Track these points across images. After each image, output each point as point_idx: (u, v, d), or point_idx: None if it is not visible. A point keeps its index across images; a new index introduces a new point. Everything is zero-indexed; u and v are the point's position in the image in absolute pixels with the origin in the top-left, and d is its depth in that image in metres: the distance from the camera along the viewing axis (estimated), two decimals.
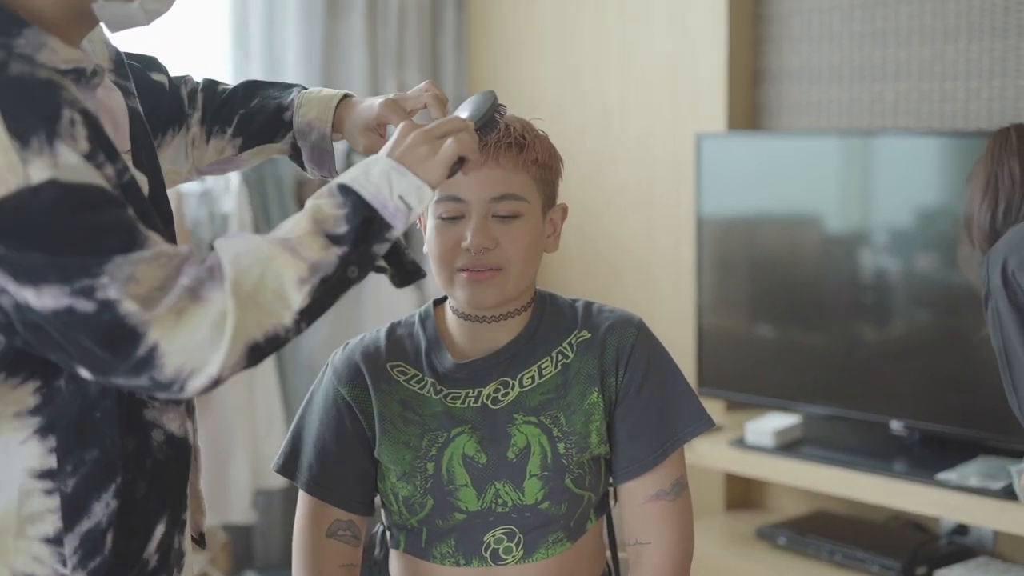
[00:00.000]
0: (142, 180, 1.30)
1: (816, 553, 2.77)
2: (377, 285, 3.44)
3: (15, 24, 1.19)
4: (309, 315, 1.22)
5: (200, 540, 1.50)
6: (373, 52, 3.72)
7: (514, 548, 1.56)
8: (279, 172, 3.38)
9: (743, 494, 3.26)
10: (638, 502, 1.59)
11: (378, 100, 1.55)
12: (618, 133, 3.43)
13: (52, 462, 1.23)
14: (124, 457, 1.26)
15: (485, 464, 1.55)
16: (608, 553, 1.71)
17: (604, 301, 1.68)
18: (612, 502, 1.68)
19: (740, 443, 2.91)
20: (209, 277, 1.17)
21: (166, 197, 1.40)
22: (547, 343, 1.60)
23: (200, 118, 1.61)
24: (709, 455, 2.94)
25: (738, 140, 3.08)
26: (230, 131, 1.61)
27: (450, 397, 1.57)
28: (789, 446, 2.87)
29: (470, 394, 1.57)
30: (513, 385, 1.58)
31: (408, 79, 3.66)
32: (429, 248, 1.55)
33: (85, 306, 1.12)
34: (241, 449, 3.17)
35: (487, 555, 1.55)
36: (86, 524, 1.24)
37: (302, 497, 1.61)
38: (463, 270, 1.51)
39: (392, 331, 1.64)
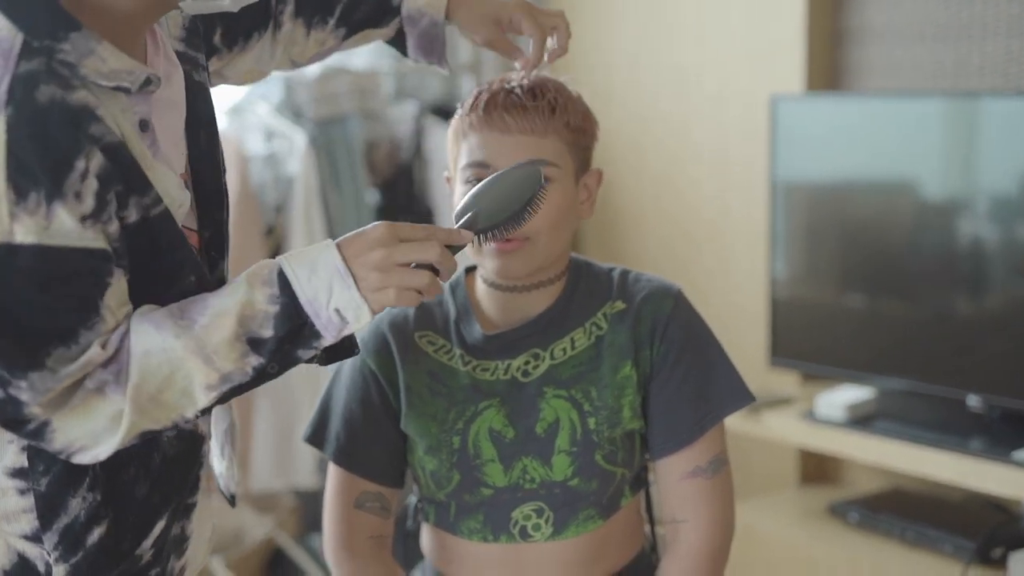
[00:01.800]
0: (183, 198, 1.25)
1: (888, 531, 2.67)
2: None
3: (63, 26, 1.11)
4: (211, 410, 1.22)
5: (231, 500, 1.49)
6: None
7: (543, 525, 1.51)
8: (348, 136, 3.33)
9: (818, 468, 3.17)
10: (674, 479, 1.53)
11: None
12: (693, 95, 3.33)
13: (23, 460, 1.22)
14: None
15: (512, 439, 1.50)
16: (647, 528, 1.65)
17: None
18: (652, 476, 1.62)
19: (810, 416, 2.82)
20: (114, 380, 1.15)
21: (220, 182, 1.34)
22: (581, 314, 1.54)
23: (293, 12, 1.50)
24: (779, 428, 2.85)
25: (815, 102, 2.96)
26: (332, 21, 1.51)
27: (479, 369, 1.52)
28: (862, 420, 2.77)
29: (499, 366, 1.52)
30: (544, 357, 1.52)
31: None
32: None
33: None
34: (307, 415, 3.16)
35: (515, 531, 1.51)
36: (64, 520, 1.22)
37: (331, 467, 1.58)
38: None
39: None
